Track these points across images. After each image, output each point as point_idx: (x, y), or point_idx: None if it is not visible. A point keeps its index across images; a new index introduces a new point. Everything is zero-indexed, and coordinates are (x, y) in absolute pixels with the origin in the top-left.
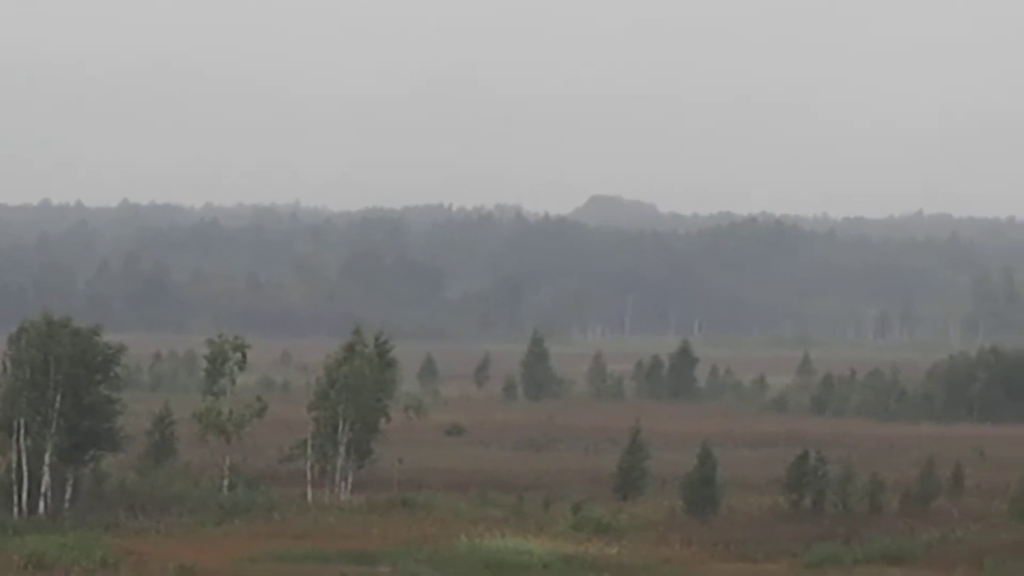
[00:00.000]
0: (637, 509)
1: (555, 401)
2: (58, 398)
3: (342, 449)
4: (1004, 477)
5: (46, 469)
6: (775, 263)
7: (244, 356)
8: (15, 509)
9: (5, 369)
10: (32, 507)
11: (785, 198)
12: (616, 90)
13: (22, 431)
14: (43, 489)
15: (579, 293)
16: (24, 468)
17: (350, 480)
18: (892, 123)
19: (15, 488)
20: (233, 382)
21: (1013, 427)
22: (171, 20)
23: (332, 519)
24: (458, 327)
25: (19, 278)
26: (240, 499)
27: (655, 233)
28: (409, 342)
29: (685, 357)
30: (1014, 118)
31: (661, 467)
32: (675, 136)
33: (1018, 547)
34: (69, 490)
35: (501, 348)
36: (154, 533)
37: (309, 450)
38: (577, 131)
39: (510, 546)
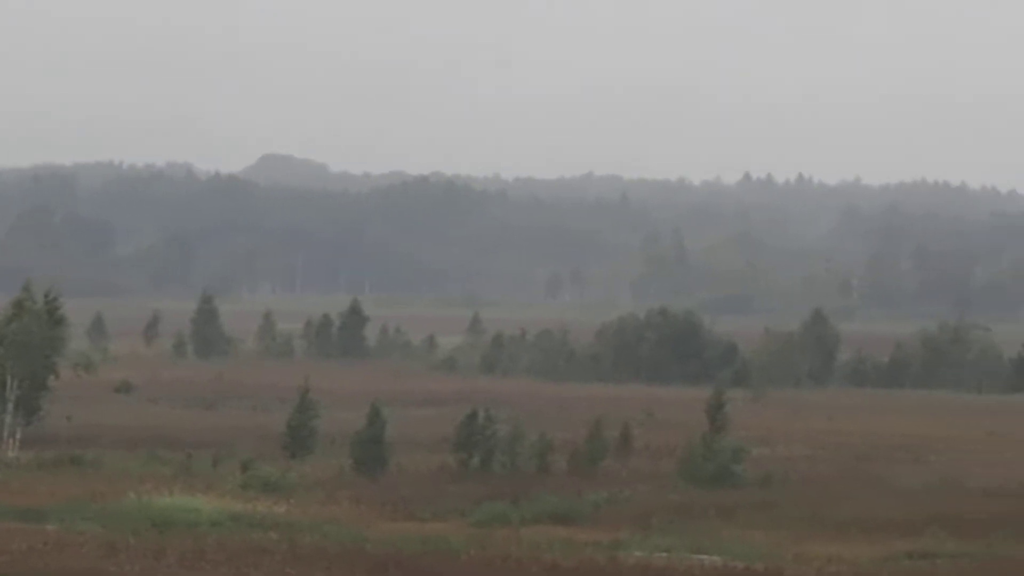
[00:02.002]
0: (306, 468)
1: (225, 359)
2: None
3: (10, 406)
4: (672, 438)
5: None
6: (447, 223)
7: None
8: None
9: None
10: None
11: (457, 159)
12: (286, 46)
13: None
14: None
15: (250, 252)
16: None
17: (18, 437)
18: (563, 85)
19: None
20: None
21: (681, 388)
22: None
23: (0, 476)
24: (128, 284)
25: None
26: None
27: (326, 192)
28: (79, 299)
29: (355, 316)
30: (682, 81)
31: (330, 426)
32: (346, 95)
33: (685, 508)
34: None
35: (171, 306)
36: None
37: None
38: (248, 88)
39: (178, 504)
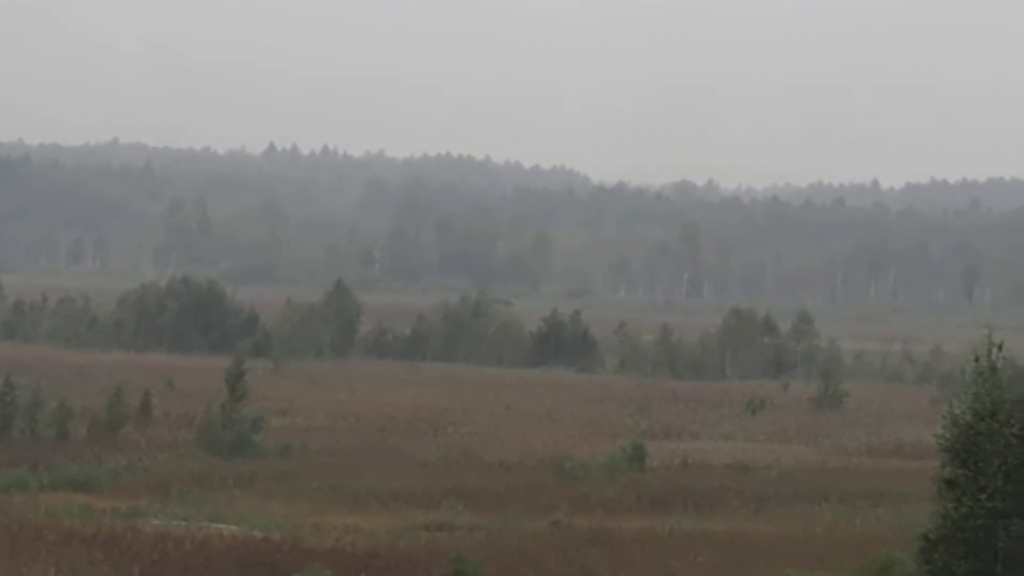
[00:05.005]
0: None
1: None
2: None
3: None
4: (192, 407)
5: None
6: None
7: None
8: None
9: None
10: None
11: None
12: None
13: None
14: None
15: None
16: None
17: None
18: (91, 50)
19: None
20: None
21: (202, 357)
22: None
23: None
24: None
25: None
26: None
27: None
28: None
29: None
30: (209, 51)
31: None
32: None
33: (203, 477)
34: None
35: None
36: None
37: None
38: None
39: None
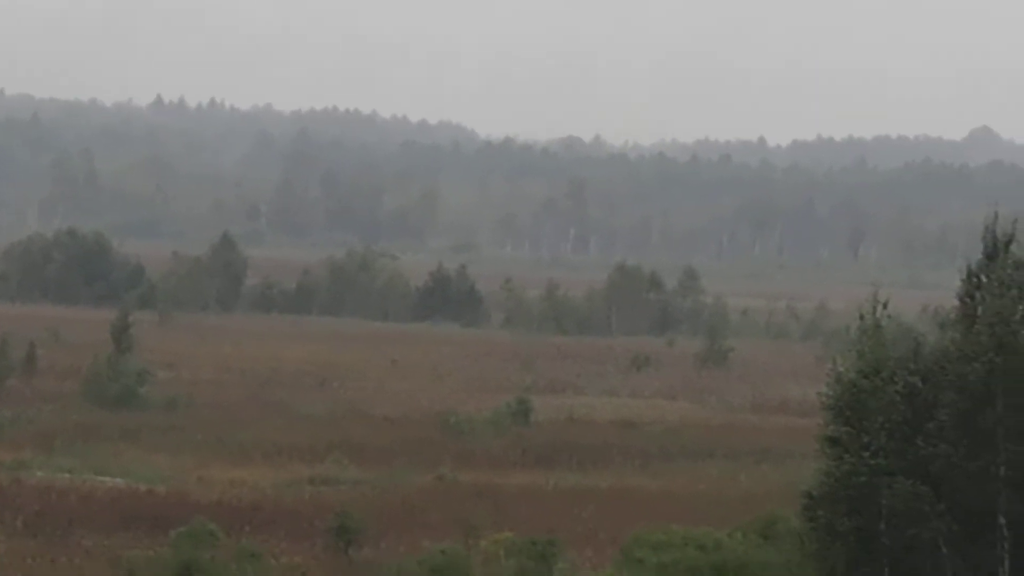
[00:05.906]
0: None
1: None
2: None
3: None
4: (78, 359)
5: None
6: None
7: None
8: None
9: None
10: None
11: None
12: None
13: None
14: None
15: None
16: None
17: None
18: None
19: None
20: None
21: (88, 309)
22: None
23: None
24: None
25: None
26: None
27: None
28: None
29: None
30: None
31: None
32: None
33: (88, 429)
34: None
35: None
36: None
37: None
38: None
39: None
